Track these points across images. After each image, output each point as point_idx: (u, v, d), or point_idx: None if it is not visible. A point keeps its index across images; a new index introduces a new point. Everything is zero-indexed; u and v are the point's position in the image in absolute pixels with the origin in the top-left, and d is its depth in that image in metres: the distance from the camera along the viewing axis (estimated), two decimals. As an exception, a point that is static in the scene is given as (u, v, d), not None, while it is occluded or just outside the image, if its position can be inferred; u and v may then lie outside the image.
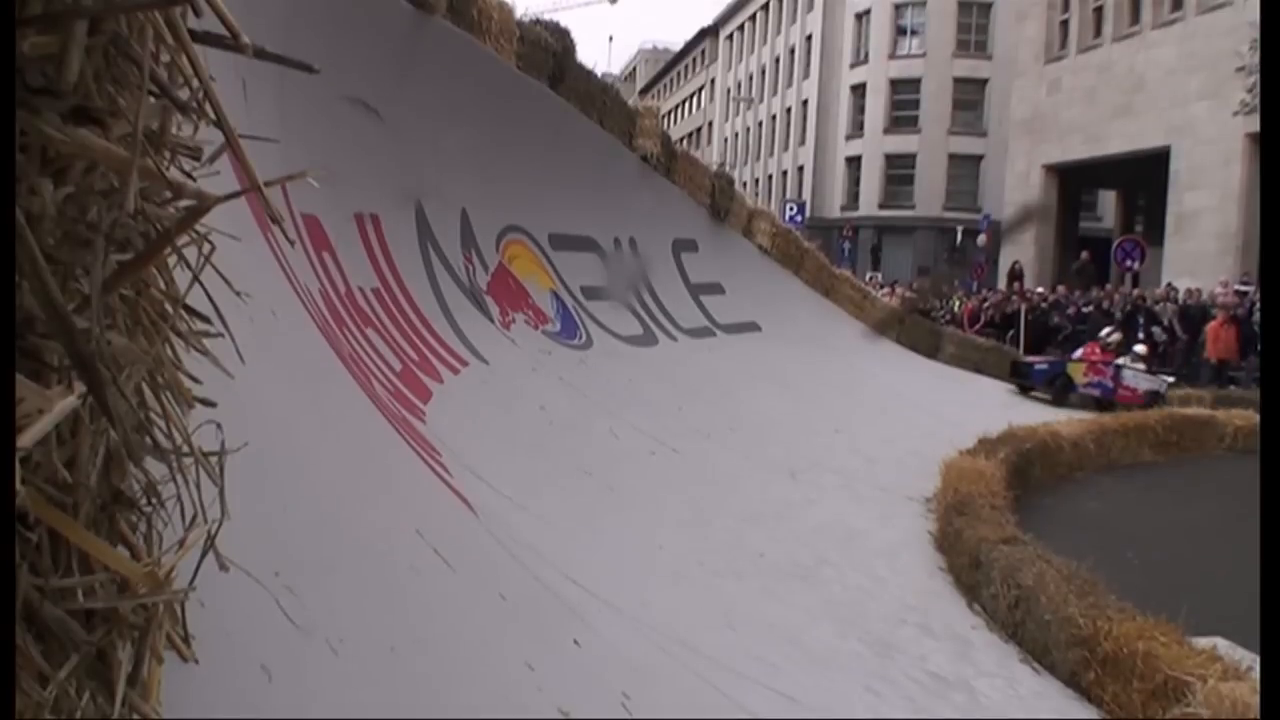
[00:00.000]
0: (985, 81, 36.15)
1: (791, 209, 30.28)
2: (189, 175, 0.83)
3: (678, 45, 61.37)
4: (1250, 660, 3.80)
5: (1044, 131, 25.82)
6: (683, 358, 9.46)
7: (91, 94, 0.68)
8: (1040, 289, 20.22)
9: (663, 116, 13.62)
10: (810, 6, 41.51)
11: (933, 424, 9.62)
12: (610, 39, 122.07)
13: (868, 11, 38.39)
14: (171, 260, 0.83)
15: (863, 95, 38.66)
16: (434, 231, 7.09)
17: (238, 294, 1.13)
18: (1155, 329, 16.21)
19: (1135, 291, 17.86)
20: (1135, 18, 23.37)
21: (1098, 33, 24.45)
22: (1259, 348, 12.35)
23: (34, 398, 0.62)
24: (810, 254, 14.21)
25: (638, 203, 10.62)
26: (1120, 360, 12.95)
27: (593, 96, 9.93)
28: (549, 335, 8.05)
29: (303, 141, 4.95)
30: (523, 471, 4.61)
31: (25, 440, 0.59)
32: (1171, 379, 13.39)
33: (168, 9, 0.72)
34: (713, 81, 54.90)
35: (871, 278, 26.27)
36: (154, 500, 0.82)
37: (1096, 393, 12.66)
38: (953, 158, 37.00)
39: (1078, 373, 12.82)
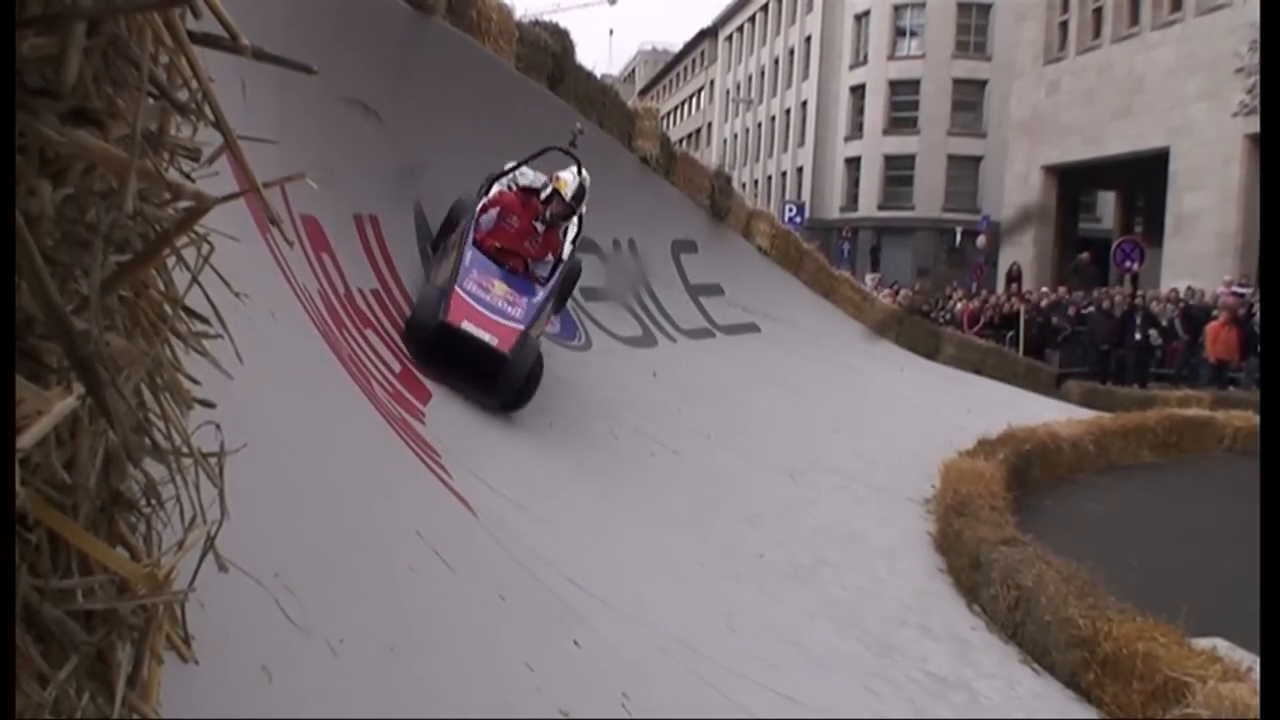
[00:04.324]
0: (984, 83, 36.16)
1: (791, 210, 30.28)
2: (188, 176, 0.83)
3: (677, 46, 61.45)
4: (1250, 661, 3.80)
5: (1043, 132, 25.82)
6: (682, 359, 9.46)
7: (90, 95, 0.68)
8: (1044, 288, 20.23)
9: (662, 118, 13.62)
10: (809, 8, 41.52)
11: (932, 425, 9.62)
12: (611, 32, 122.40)
13: (867, 13, 38.41)
14: (170, 261, 0.83)
15: (862, 96, 38.66)
16: (434, 232, 7.09)
17: (237, 295, 1.13)
18: (1152, 331, 16.22)
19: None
20: (1134, 19, 23.38)
21: (1097, 34, 24.46)
22: (1258, 348, 12.36)
23: (33, 399, 0.62)
24: (810, 255, 14.19)
25: (637, 204, 10.62)
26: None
27: (592, 98, 9.93)
28: (548, 336, 8.05)
29: (302, 142, 4.95)
30: (522, 472, 4.61)
31: (25, 441, 0.59)
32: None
33: (167, 10, 0.72)
34: (712, 83, 54.90)
35: (877, 279, 26.22)
36: (153, 501, 0.82)
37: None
38: (952, 159, 37.00)
39: None
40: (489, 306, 5.72)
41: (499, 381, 5.55)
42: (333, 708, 1.33)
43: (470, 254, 5.93)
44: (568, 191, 6.21)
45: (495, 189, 6.53)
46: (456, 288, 5.67)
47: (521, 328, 5.70)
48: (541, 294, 6.06)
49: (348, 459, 2.47)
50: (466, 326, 5.53)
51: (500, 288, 5.91)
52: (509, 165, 6.68)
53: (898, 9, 37.66)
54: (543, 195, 6.26)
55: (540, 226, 6.26)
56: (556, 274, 6.31)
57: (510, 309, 5.80)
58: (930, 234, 36.07)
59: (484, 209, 6.25)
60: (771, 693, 3.12)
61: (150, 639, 0.77)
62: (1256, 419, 8.11)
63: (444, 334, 5.47)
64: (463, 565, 2.43)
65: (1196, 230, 20.79)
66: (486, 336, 5.57)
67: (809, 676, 3.71)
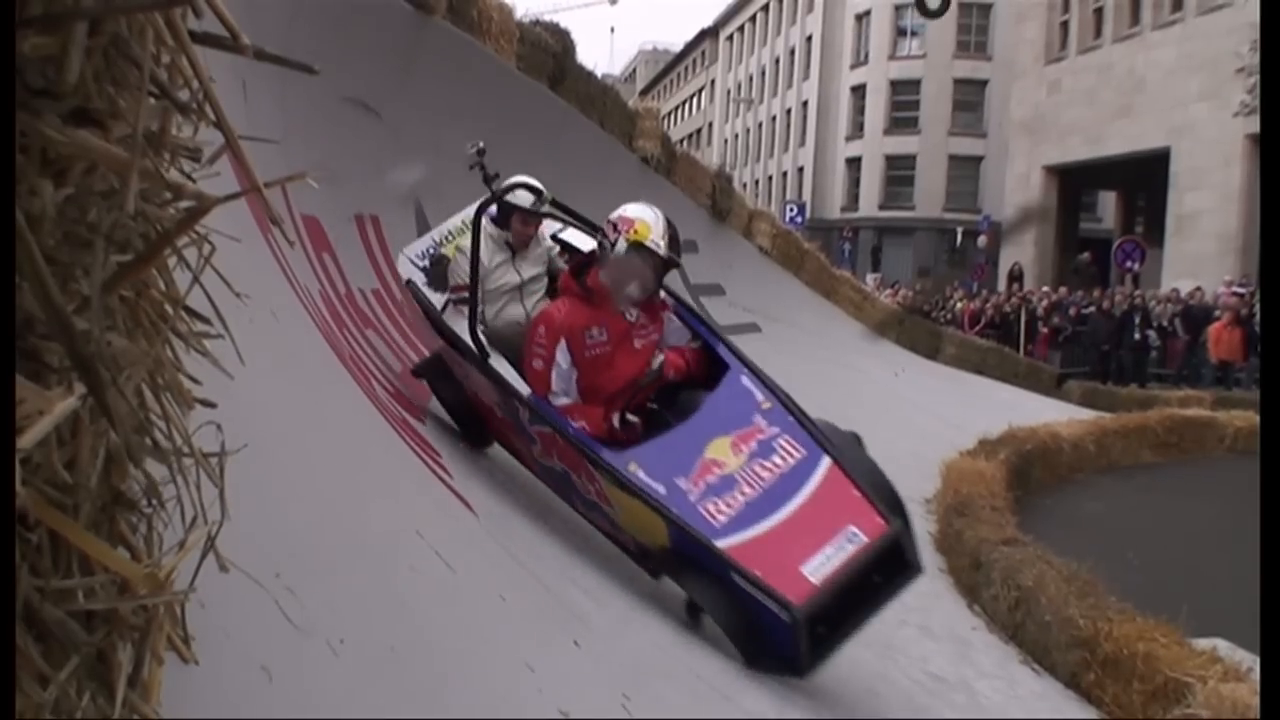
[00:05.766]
0: (985, 82, 36.18)
1: (792, 210, 30.31)
2: (189, 176, 0.83)
3: (678, 46, 61.49)
4: (1250, 661, 3.80)
5: (1044, 132, 25.84)
6: (683, 358, 9.44)
7: (91, 95, 0.68)
8: (1045, 288, 20.25)
9: (663, 118, 13.63)
10: (810, 8, 41.52)
11: (933, 425, 9.61)
12: (612, 31, 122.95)
13: (868, 12, 38.42)
14: (171, 261, 0.83)
15: (863, 96, 38.67)
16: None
17: (238, 295, 1.13)
18: (1150, 331, 16.23)
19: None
20: (1135, 18, 23.39)
21: (1098, 34, 24.47)
22: (1258, 348, 12.35)
23: (34, 399, 0.62)
24: (810, 255, 14.24)
25: (638, 203, 10.62)
26: None
27: (593, 97, 9.95)
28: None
29: (303, 142, 4.95)
30: (523, 471, 4.60)
31: (25, 441, 0.59)
32: None
33: (168, 10, 0.72)
34: (713, 83, 54.90)
35: (878, 279, 26.26)
36: (154, 501, 0.82)
37: None
38: (953, 159, 37.02)
39: None
40: (770, 490, 3.28)
41: (904, 544, 3.26)
42: (333, 708, 1.33)
43: (636, 463, 3.40)
44: (656, 236, 3.60)
45: (506, 311, 4.34)
46: (722, 544, 3.15)
47: (826, 455, 3.39)
48: (737, 371, 3.71)
49: (348, 458, 2.47)
50: (817, 571, 3.09)
51: (721, 449, 3.39)
52: (453, 264, 4.46)
53: (898, 9, 37.63)
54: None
55: (633, 312, 3.77)
56: (696, 321, 4.03)
57: (774, 455, 3.37)
58: (931, 234, 36.09)
59: (545, 364, 3.71)
60: (772, 693, 3.12)
61: (151, 639, 0.77)
62: (1257, 418, 8.10)
63: (820, 616, 3.09)
64: (463, 564, 2.43)
65: (1197, 230, 20.79)
66: (848, 545, 3.14)
67: (809, 676, 3.71)
